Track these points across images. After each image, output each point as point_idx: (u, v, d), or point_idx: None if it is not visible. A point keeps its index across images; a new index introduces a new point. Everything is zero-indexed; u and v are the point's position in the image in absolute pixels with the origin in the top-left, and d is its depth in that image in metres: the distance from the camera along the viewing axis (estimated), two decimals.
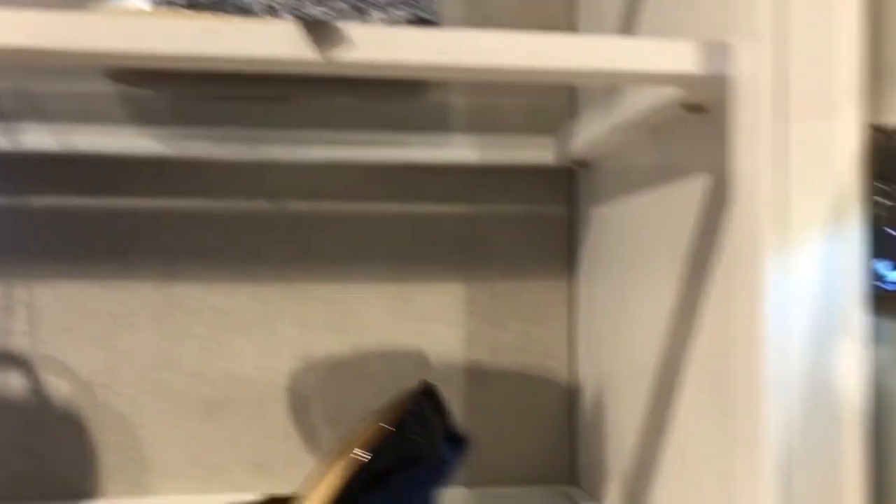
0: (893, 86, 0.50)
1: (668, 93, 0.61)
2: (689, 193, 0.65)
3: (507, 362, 0.97)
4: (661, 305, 0.71)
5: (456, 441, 0.70)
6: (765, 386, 0.48)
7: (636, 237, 0.79)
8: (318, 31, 0.49)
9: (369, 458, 0.61)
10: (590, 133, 0.82)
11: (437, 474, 0.64)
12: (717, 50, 0.52)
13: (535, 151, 0.94)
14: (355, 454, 0.61)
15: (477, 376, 0.96)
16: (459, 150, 0.94)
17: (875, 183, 0.50)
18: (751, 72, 0.49)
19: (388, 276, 0.96)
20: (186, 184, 0.94)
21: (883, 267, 0.50)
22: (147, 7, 0.59)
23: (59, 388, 0.91)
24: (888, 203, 0.50)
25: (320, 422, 0.94)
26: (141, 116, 0.92)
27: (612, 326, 0.86)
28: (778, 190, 0.48)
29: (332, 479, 0.61)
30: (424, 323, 0.96)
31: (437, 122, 0.95)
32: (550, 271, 0.98)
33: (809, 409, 0.48)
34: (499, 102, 0.97)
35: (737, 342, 0.51)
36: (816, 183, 0.48)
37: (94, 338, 0.92)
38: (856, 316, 0.48)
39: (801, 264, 0.48)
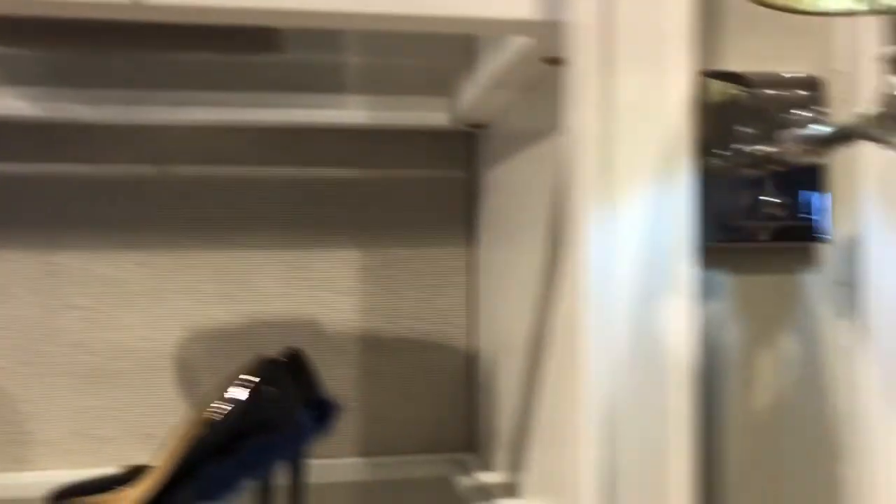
0: (726, 31, 0.49)
1: (524, 44, 0.58)
2: (553, 152, 0.64)
3: (405, 330, 0.95)
4: (537, 269, 0.70)
5: (322, 409, 0.68)
6: (588, 342, 0.46)
7: (520, 200, 0.77)
8: None
9: (217, 421, 0.59)
10: (471, 93, 0.79)
11: (293, 441, 0.62)
12: None
13: (430, 113, 0.91)
14: (203, 417, 0.59)
15: (373, 345, 0.94)
16: (352, 112, 0.92)
17: (711, 133, 0.49)
18: (579, 18, 0.47)
19: (281, 243, 0.93)
20: (66, 148, 0.90)
21: (715, 219, 0.49)
22: None
23: None
24: (725, 154, 0.49)
25: None
26: (14, 76, 0.88)
27: (506, 292, 0.84)
28: (603, 141, 0.46)
29: (179, 444, 0.59)
30: (319, 291, 0.93)
31: (331, 83, 0.92)
32: (449, 237, 0.96)
33: (636, 363, 0.46)
34: (396, 63, 0.94)
35: (570, 300, 0.49)
36: (644, 133, 0.47)
37: None
38: (684, 270, 0.47)
39: (628, 218, 0.47)
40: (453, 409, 0.96)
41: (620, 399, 0.46)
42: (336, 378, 0.93)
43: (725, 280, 0.49)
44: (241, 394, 0.60)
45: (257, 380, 0.60)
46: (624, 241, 0.46)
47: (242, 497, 0.62)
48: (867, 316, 0.49)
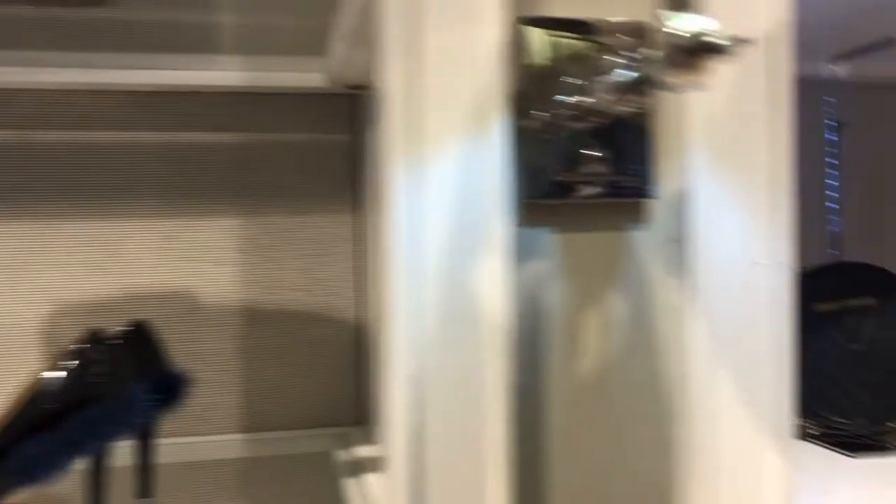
0: None
1: None
2: None
3: (288, 302, 0.91)
4: None
5: (168, 383, 0.65)
6: (396, 304, 0.44)
7: None
8: None
9: (38, 396, 0.55)
10: (338, 52, 0.76)
11: (124, 416, 0.59)
12: None
13: (306, 74, 0.87)
14: (26, 393, 0.56)
15: (255, 318, 0.90)
16: (226, 73, 0.87)
17: (532, 84, 0.46)
18: None
19: (154, 211, 0.88)
20: None
21: (537, 175, 0.46)
22: None
23: None
24: (547, 106, 0.46)
25: None
26: None
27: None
28: (411, 94, 0.43)
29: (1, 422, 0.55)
30: (195, 261, 0.89)
31: (203, 43, 0.87)
32: (334, 203, 0.92)
33: (449, 326, 0.44)
34: (271, 22, 0.89)
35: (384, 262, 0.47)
36: (455, 85, 0.44)
37: None
38: (499, 228, 0.44)
39: (439, 174, 0.44)
40: (341, 382, 0.93)
41: (432, 364, 0.43)
42: (215, 352, 0.90)
43: (549, 238, 0.47)
44: (65, 368, 0.56)
45: (82, 353, 0.57)
46: (435, 199, 0.43)
47: (73, 477, 0.59)
48: (695, 274, 0.47)
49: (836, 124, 0.93)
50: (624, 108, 0.42)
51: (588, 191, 0.46)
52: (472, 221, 0.44)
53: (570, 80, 0.45)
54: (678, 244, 0.48)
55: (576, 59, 0.45)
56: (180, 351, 0.90)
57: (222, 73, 0.87)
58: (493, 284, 0.44)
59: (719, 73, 0.45)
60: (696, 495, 0.48)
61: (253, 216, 0.90)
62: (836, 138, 0.93)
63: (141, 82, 0.85)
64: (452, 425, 0.43)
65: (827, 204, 0.94)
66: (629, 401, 0.48)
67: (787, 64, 0.49)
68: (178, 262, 0.89)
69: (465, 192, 0.44)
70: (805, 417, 0.81)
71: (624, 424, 0.48)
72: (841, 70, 0.91)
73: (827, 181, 0.94)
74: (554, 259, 0.47)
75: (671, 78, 0.33)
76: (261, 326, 0.90)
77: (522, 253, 0.46)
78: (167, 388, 0.64)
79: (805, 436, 0.81)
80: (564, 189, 0.46)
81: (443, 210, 0.44)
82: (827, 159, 0.94)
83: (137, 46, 0.86)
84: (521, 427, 0.45)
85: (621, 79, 0.40)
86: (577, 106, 0.45)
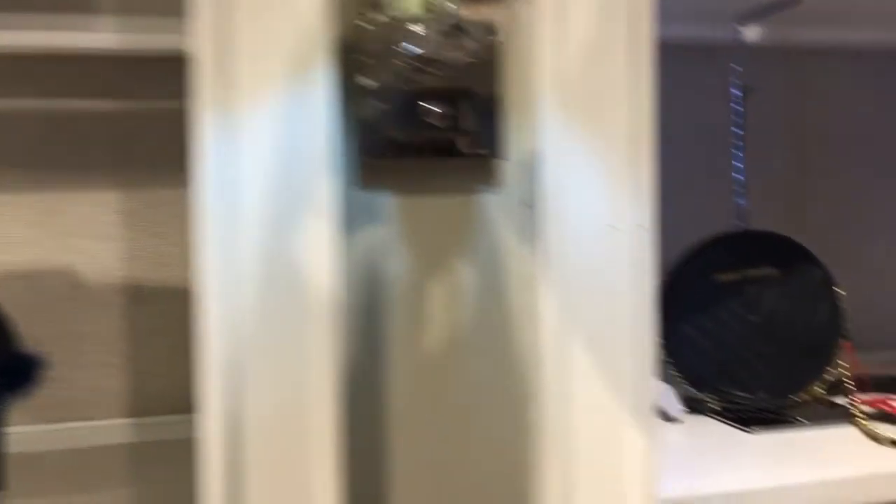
0: None
1: None
2: None
3: (175, 279, 0.87)
4: None
5: (17, 367, 0.60)
6: (207, 275, 0.40)
7: None
8: None
9: None
10: None
11: None
12: None
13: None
14: None
15: (139, 296, 0.86)
16: (103, 35, 0.81)
17: (367, 33, 0.42)
18: None
19: (27, 185, 0.82)
20: None
21: (374, 131, 0.43)
22: None
23: None
24: (385, 56, 0.42)
25: None
26: None
27: None
28: (221, 39, 0.39)
29: None
30: (73, 237, 0.84)
31: (79, 2, 0.82)
32: None
33: (268, 299, 0.40)
34: None
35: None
36: (271, 31, 0.40)
37: None
38: (326, 189, 0.41)
39: (255, 129, 0.40)
40: None
41: (249, 340, 0.40)
42: (97, 333, 0.84)
43: (389, 201, 0.43)
44: None
45: None
46: (251, 159, 0.39)
47: None
48: (549, 240, 0.44)
49: (741, 92, 0.91)
50: (457, 56, 0.38)
51: (430, 149, 0.43)
52: (295, 183, 0.40)
53: (407, 27, 0.41)
54: (531, 208, 0.44)
55: (411, 3, 0.41)
56: (59, 332, 0.85)
57: (100, 35, 0.81)
58: (319, 252, 0.40)
59: (571, 23, 0.42)
60: (551, 476, 0.45)
61: (136, 188, 0.85)
62: (741, 107, 0.91)
63: (9, 45, 0.79)
64: (273, 407, 0.40)
65: (733, 175, 0.92)
66: (478, 377, 0.44)
67: (650, 17, 0.45)
68: (55, 239, 0.83)
69: (287, 150, 0.40)
70: (706, 392, 0.80)
71: (472, 403, 0.44)
72: (750, 33, 0.88)
73: (732, 151, 0.92)
74: (394, 224, 0.43)
75: (469, 14, 0.30)
76: (147, 305, 0.85)
77: (357, 217, 0.42)
78: (15, 372, 0.59)
79: (706, 411, 0.80)
80: (404, 147, 0.42)
81: (261, 170, 0.40)
82: (733, 129, 0.92)
83: (4, 5, 0.80)
84: (355, 408, 0.42)
85: (445, 22, 0.36)
86: (415, 55, 0.41)
